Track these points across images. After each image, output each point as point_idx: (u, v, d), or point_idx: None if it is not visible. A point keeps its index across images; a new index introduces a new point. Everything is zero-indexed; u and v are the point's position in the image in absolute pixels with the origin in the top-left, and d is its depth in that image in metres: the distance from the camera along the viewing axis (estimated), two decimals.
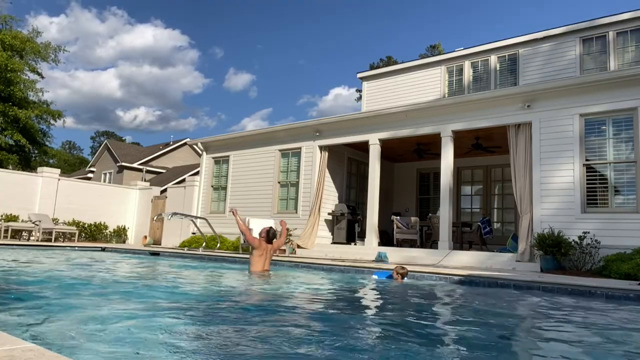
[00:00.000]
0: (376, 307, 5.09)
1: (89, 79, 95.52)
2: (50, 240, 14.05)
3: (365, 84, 17.04)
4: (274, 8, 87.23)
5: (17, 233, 14.45)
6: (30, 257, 8.96)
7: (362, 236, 12.56)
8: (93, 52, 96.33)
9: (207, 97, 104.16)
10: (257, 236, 7.40)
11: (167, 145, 35.17)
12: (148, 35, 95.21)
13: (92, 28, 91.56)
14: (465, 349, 2.96)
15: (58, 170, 16.53)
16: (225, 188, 15.37)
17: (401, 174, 16.13)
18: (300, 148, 13.61)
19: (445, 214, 10.73)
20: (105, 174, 33.21)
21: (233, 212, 7.81)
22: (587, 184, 9.08)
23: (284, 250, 11.97)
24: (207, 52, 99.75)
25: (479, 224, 11.72)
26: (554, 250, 8.58)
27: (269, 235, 7.24)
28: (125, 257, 10.78)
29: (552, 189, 9.38)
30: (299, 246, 12.29)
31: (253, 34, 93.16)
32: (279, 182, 14.01)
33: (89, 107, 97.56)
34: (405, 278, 6.95)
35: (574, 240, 8.61)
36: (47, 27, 79.03)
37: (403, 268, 6.96)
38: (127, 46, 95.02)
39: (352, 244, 12.66)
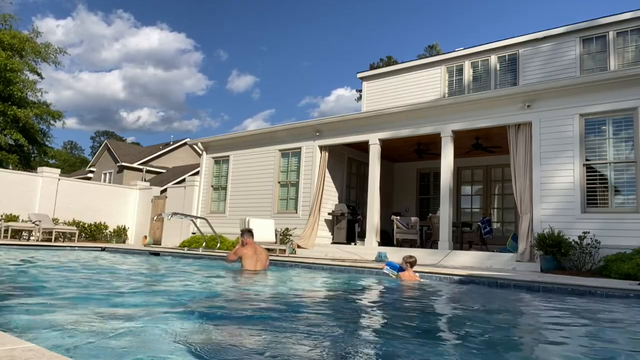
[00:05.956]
0: (375, 306, 5.09)
1: (93, 80, 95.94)
2: (50, 240, 14.05)
3: (365, 84, 17.04)
4: (274, 11, 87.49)
5: (17, 233, 14.45)
6: (30, 257, 8.96)
7: (362, 236, 12.56)
8: (98, 54, 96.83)
9: (210, 99, 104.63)
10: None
11: (167, 145, 35.16)
12: (153, 38, 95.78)
13: (98, 31, 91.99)
14: (464, 349, 2.96)
15: (58, 170, 16.53)
16: (225, 188, 15.38)
17: (401, 174, 16.13)
18: (300, 148, 13.61)
19: (445, 214, 10.73)
20: (105, 173, 33.21)
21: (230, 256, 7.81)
22: (587, 184, 9.09)
23: (284, 250, 11.98)
24: (212, 55, 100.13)
25: (479, 224, 11.73)
26: (554, 250, 8.58)
27: (244, 234, 7.42)
28: (125, 257, 10.78)
29: (552, 189, 9.38)
30: (299, 246, 12.29)
31: (257, 36, 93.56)
32: (279, 182, 14.01)
33: (92, 108, 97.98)
34: (422, 279, 6.93)
35: (574, 240, 8.61)
36: (53, 30, 79.50)
37: (411, 257, 6.89)
38: (132, 49, 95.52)
39: (352, 244, 12.66)
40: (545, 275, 7.71)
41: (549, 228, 8.92)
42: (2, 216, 14.33)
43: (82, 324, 3.09)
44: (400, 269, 6.99)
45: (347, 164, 14.54)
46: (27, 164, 25.45)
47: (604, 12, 46.79)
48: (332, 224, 13.24)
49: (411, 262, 6.83)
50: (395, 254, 10.69)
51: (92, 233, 16.56)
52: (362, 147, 13.24)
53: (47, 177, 15.83)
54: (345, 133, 12.81)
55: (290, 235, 12.78)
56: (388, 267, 7.24)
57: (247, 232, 7.53)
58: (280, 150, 14.10)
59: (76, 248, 12.24)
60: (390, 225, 12.89)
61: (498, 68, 14.48)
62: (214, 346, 2.69)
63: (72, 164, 57.09)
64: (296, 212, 13.31)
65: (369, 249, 11.42)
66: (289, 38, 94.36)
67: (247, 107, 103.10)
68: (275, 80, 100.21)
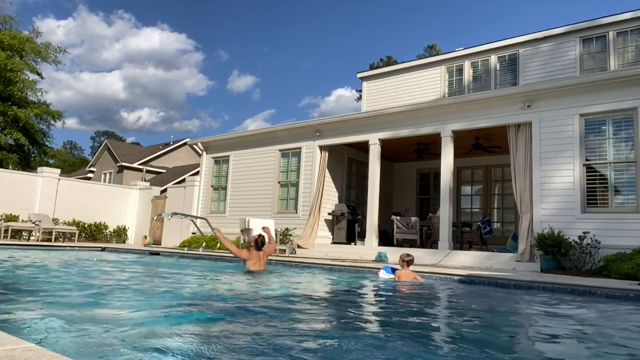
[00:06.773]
0: (376, 307, 5.09)
1: (94, 80, 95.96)
2: (50, 240, 14.04)
3: (365, 84, 17.04)
4: (274, 11, 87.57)
5: (17, 233, 14.45)
6: (31, 257, 8.96)
7: (362, 236, 12.56)
8: (99, 54, 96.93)
9: (210, 99, 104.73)
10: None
11: (167, 145, 35.15)
12: (154, 38, 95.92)
13: (99, 31, 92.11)
14: (464, 349, 2.96)
15: (58, 170, 16.53)
16: (225, 188, 15.38)
17: (401, 174, 16.13)
18: (300, 148, 13.61)
19: (445, 214, 10.73)
20: (105, 173, 33.20)
21: (216, 231, 7.83)
22: (587, 184, 9.08)
23: (284, 250, 11.98)
24: (212, 55, 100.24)
25: (479, 224, 11.72)
26: (554, 250, 8.58)
27: (258, 243, 7.27)
28: (125, 257, 10.78)
29: (552, 189, 9.38)
30: (299, 246, 12.29)
31: (257, 36, 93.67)
32: (279, 182, 14.01)
33: (92, 108, 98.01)
34: (420, 278, 6.90)
35: (574, 240, 8.61)
36: (54, 30, 79.64)
37: (409, 255, 6.81)
38: (133, 49, 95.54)
39: (352, 244, 12.66)
40: (545, 275, 7.70)
41: (549, 228, 8.92)
42: (2, 216, 14.33)
43: (82, 324, 3.10)
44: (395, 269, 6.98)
45: (347, 164, 14.54)
46: (27, 164, 25.46)
47: (604, 12, 46.79)
48: (332, 224, 13.24)
49: (408, 260, 6.77)
50: (395, 254, 10.66)
51: (92, 233, 16.56)
52: (362, 147, 13.24)
53: (47, 177, 15.83)
54: (345, 133, 12.81)
55: (290, 235, 12.78)
56: (384, 271, 7.22)
57: (259, 241, 7.35)
58: (280, 150, 14.10)
59: (76, 248, 12.25)
60: (390, 225, 12.89)
61: (498, 68, 14.48)
62: (213, 345, 2.69)
63: (72, 164, 57.05)
64: (296, 212, 13.30)
65: (369, 249, 11.42)
66: (289, 38, 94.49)
67: (247, 107, 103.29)
68: (275, 80, 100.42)
